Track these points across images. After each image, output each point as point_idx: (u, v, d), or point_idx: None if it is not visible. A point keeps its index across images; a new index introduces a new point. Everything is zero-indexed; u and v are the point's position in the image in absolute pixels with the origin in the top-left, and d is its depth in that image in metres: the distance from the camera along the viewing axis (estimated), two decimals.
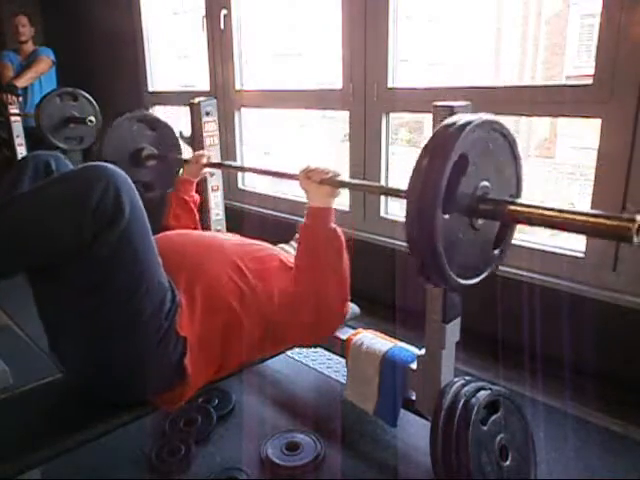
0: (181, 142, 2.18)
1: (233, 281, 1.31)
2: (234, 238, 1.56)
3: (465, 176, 0.90)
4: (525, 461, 1.28)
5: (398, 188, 1.24)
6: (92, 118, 2.74)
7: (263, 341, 1.37)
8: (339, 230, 1.36)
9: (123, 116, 2.06)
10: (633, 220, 0.77)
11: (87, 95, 2.78)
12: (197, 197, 1.87)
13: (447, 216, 0.88)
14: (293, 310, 1.36)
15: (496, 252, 1.05)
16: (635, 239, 0.77)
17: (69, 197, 1.02)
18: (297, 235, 1.68)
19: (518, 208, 0.93)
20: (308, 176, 1.38)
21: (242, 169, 1.87)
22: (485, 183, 0.95)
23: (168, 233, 1.47)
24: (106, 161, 1.11)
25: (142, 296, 1.10)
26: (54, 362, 1.26)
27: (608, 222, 0.81)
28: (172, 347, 1.16)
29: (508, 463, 1.23)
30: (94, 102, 2.79)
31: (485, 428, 1.21)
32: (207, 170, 1.91)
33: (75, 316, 1.10)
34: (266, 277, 1.38)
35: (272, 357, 1.56)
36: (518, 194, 1.04)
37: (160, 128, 2.16)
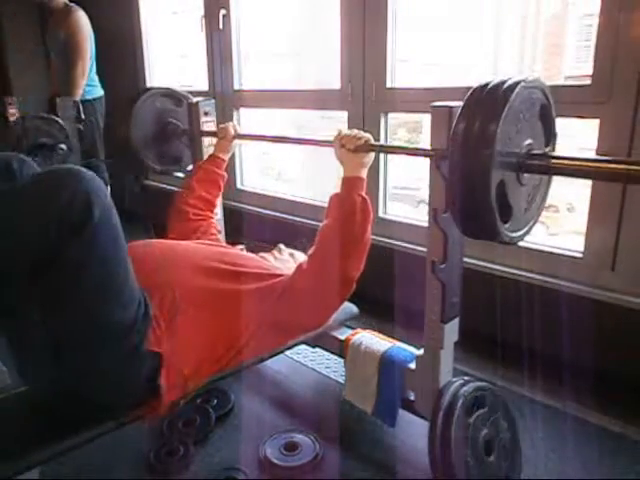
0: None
1: (209, 286, 1.27)
2: (210, 245, 1.55)
3: (515, 134, 0.94)
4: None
5: (438, 148, 1.21)
6: (63, 146, 2.69)
7: (262, 338, 1.32)
8: (368, 199, 1.37)
9: (146, 94, 2.07)
10: None
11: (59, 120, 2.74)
12: (225, 175, 1.86)
13: (500, 172, 0.92)
14: (304, 288, 1.33)
15: (535, 206, 1.08)
16: None
17: (35, 204, 0.97)
18: (279, 245, 1.69)
19: (562, 162, 0.97)
20: (342, 144, 1.39)
21: (273, 139, 1.90)
22: (530, 140, 0.99)
23: (134, 244, 1.39)
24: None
25: (110, 304, 1.05)
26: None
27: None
28: (141, 363, 1.11)
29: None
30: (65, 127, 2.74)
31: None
32: (237, 142, 1.91)
33: (39, 329, 1.05)
34: (244, 278, 1.34)
35: (271, 357, 1.56)
36: (553, 148, 1.08)
37: (185, 104, 2.14)
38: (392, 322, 1.99)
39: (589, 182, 1.74)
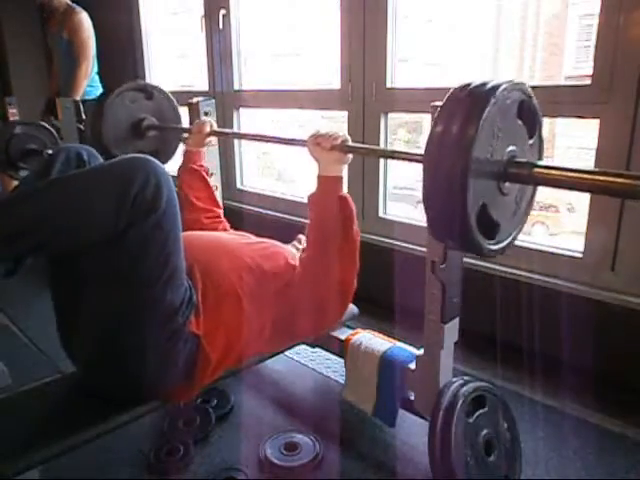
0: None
1: (243, 279, 1.32)
2: (242, 236, 1.59)
3: (494, 140, 0.89)
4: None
5: (416, 152, 1.19)
6: (49, 151, 2.67)
7: (273, 336, 1.38)
8: (349, 198, 1.34)
9: (117, 89, 2.03)
10: None
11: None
12: (206, 166, 1.86)
13: (478, 181, 0.86)
14: (303, 294, 1.35)
15: (520, 215, 1.04)
16: None
17: (112, 184, 1.05)
18: (299, 236, 1.70)
19: (544, 170, 0.93)
20: (317, 142, 1.35)
21: (245, 136, 1.88)
22: (512, 147, 0.94)
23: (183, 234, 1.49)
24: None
25: (163, 285, 1.11)
26: (53, 362, 1.26)
27: (626, 181, 0.84)
28: (184, 344, 1.17)
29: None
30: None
31: None
32: (211, 138, 1.88)
33: (95, 303, 1.12)
34: (274, 273, 1.39)
35: (271, 357, 1.57)
36: (540, 157, 1.03)
37: (157, 97, 2.14)
38: (392, 322, 1.99)
39: None
